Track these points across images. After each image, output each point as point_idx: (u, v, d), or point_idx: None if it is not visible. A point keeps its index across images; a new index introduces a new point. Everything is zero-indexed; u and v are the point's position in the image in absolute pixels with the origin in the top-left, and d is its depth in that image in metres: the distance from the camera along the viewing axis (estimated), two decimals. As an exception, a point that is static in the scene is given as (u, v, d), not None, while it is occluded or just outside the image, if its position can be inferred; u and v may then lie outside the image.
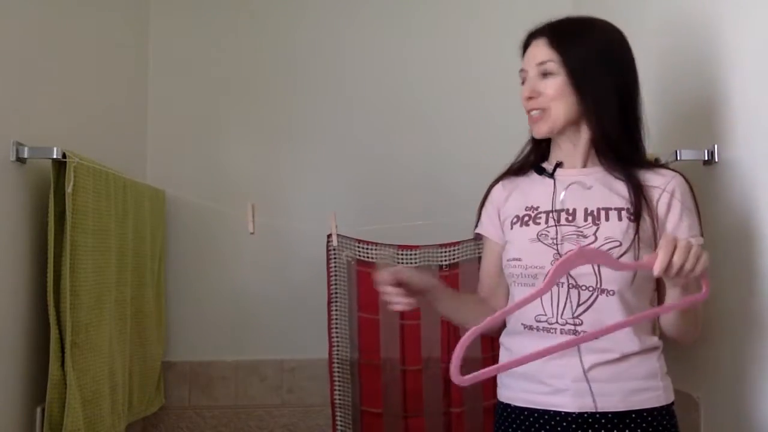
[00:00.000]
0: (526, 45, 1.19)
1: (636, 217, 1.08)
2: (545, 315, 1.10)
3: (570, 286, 1.09)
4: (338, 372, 1.65)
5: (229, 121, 2.05)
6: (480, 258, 1.32)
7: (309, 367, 1.97)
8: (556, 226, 1.12)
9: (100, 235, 1.39)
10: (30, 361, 1.28)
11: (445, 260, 1.69)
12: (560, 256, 1.08)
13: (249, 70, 2.07)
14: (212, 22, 2.07)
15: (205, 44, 2.06)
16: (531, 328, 1.12)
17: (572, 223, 1.12)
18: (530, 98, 1.14)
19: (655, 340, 1.12)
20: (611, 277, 1.06)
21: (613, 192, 1.12)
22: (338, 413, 1.65)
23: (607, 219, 1.10)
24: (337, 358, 1.65)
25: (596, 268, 1.07)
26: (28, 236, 1.28)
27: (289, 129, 2.06)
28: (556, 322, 1.09)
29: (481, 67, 2.05)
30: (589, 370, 1.07)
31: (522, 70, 1.18)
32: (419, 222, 1.78)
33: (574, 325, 1.08)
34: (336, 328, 1.65)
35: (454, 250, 1.69)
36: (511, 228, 1.19)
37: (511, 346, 1.17)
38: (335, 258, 1.66)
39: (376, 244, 1.69)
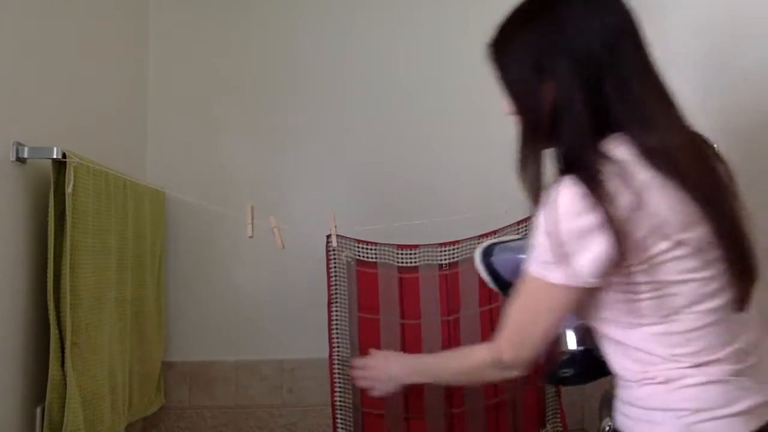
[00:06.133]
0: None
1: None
2: None
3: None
4: (339, 372, 1.64)
5: (229, 121, 2.05)
6: None
7: (309, 367, 1.97)
8: None
9: (100, 235, 1.39)
10: (30, 361, 1.28)
11: (445, 259, 1.68)
12: None
13: (249, 70, 2.07)
14: (212, 22, 2.07)
15: (205, 44, 2.06)
16: None
17: None
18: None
19: None
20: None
21: None
22: (339, 415, 1.64)
23: None
24: (338, 359, 1.64)
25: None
26: (28, 236, 1.28)
27: (288, 129, 2.06)
28: None
29: (479, 70, 2.04)
30: None
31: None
32: (418, 221, 1.78)
33: None
34: (336, 328, 1.65)
35: (454, 249, 1.68)
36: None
37: None
38: (335, 258, 1.66)
39: (376, 244, 1.69)
